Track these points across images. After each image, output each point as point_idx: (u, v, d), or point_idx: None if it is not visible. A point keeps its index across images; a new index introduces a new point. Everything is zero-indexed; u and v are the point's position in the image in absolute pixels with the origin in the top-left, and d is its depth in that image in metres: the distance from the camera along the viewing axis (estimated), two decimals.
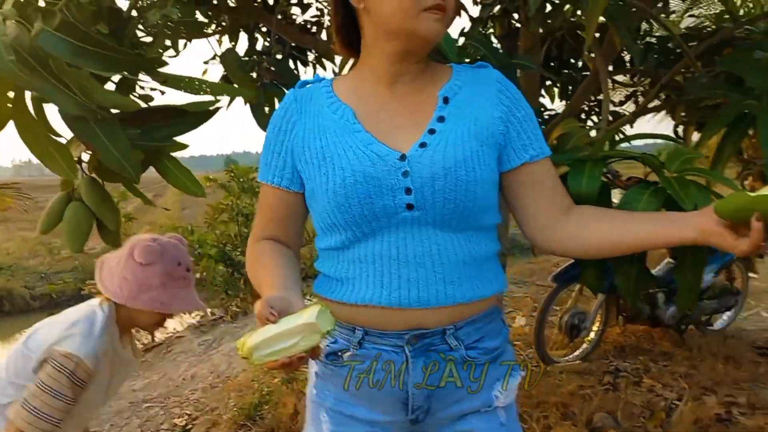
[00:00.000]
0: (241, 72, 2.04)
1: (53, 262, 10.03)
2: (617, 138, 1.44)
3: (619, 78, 2.58)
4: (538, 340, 3.36)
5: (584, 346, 3.57)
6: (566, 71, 2.49)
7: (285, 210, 1.04)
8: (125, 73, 1.22)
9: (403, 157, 0.94)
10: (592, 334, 3.57)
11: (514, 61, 1.34)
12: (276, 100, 2.26)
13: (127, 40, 1.22)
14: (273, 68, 2.10)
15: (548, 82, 2.64)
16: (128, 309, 1.44)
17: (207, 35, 2.04)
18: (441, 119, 0.98)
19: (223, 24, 2.29)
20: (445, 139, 0.95)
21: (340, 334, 1.00)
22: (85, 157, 1.33)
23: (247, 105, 2.03)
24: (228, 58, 2.09)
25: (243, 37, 2.47)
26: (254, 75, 2.15)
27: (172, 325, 6.03)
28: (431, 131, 0.96)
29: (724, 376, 3.10)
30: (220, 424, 2.98)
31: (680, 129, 1.99)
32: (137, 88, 1.33)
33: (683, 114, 1.59)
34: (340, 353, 1.00)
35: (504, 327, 1.08)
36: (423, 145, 0.95)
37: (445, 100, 1.00)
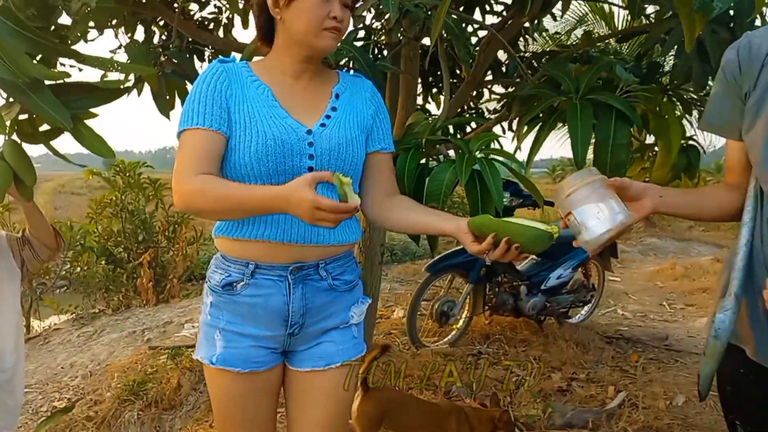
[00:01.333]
0: (144, 62, 2.19)
1: None
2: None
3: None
4: (410, 325, 3.73)
5: (453, 332, 3.98)
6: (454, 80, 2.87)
7: (215, 148, 1.21)
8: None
9: (309, 132, 1.23)
10: (460, 322, 4.01)
11: (378, 64, 1.68)
12: (176, 91, 2.44)
13: (53, 23, 1.40)
14: (174, 60, 2.28)
15: (434, 90, 3.02)
16: None
17: (112, 27, 2.18)
18: (334, 109, 1.30)
19: (124, 15, 2.40)
20: (338, 123, 1.27)
21: (235, 268, 1.26)
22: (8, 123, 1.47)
23: (128, 104, 2.18)
24: (132, 48, 2.23)
25: (139, 30, 2.58)
26: (155, 66, 2.31)
27: (50, 318, 5.83)
28: (328, 116, 1.28)
29: (572, 357, 3.61)
30: (103, 402, 3.05)
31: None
32: (58, 66, 1.50)
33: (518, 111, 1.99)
34: (234, 284, 1.26)
35: (357, 267, 1.41)
36: (323, 125, 1.26)
37: (337, 96, 1.32)
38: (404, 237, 7.48)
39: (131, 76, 2.33)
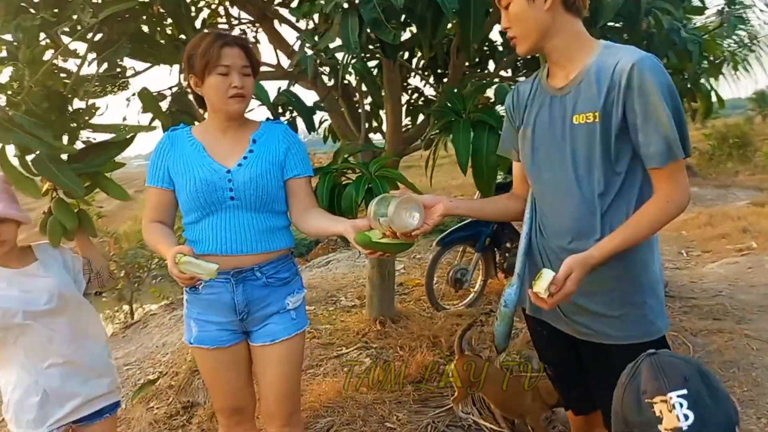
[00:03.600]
0: (153, 104, 2.62)
1: None
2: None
3: None
4: (429, 292, 4.29)
5: (471, 295, 4.50)
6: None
7: (162, 199, 1.84)
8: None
9: (228, 171, 1.79)
10: (477, 286, 4.52)
11: (309, 106, 2.24)
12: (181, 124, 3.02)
13: (68, 108, 2.07)
14: (177, 101, 2.85)
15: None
16: None
17: (125, 87, 2.73)
18: (251, 151, 1.83)
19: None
20: (252, 162, 1.81)
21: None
22: None
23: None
24: (143, 95, 2.61)
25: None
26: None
27: (149, 306, 6.89)
28: (245, 158, 1.82)
29: None
30: (180, 373, 3.86)
31: None
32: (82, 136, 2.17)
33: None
34: (197, 286, 1.83)
35: (294, 265, 1.95)
36: (240, 165, 1.80)
37: (254, 141, 1.85)
38: None
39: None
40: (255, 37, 3.93)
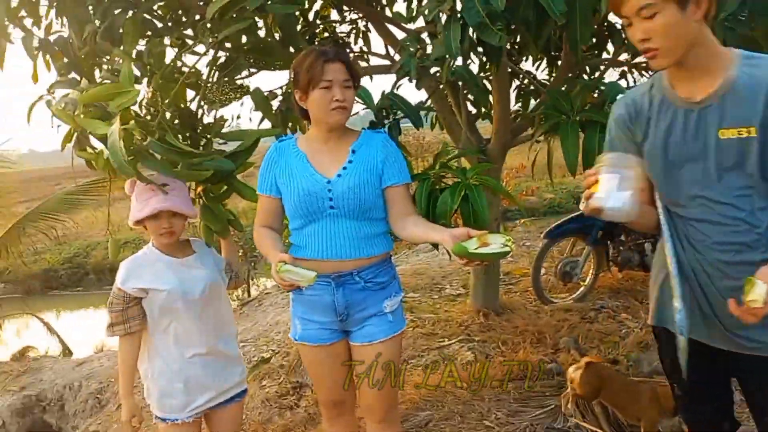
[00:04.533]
0: (265, 104, 2.78)
1: None
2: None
3: None
4: (535, 285, 4.19)
5: (581, 289, 4.34)
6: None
7: (270, 207, 1.97)
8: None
9: (328, 181, 1.86)
10: (587, 280, 4.35)
11: (414, 106, 2.24)
12: (290, 122, 3.13)
13: (198, 126, 2.23)
14: (287, 101, 2.97)
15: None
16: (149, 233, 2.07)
17: (245, 94, 2.90)
18: (350, 161, 1.89)
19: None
20: (351, 172, 1.87)
21: None
22: None
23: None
24: (255, 95, 2.72)
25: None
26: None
27: (265, 283, 7.29)
28: (344, 168, 1.88)
29: None
30: (290, 354, 4.07)
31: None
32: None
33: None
34: (301, 288, 1.90)
35: (392, 269, 1.99)
36: (339, 175, 1.87)
37: (353, 151, 1.90)
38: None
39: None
40: (366, 27, 4.00)
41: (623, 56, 3.22)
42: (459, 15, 1.82)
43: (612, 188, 1.39)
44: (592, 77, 3.49)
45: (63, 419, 5.08)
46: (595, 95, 2.29)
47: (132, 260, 2.08)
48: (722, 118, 1.38)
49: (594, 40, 3.21)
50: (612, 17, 2.70)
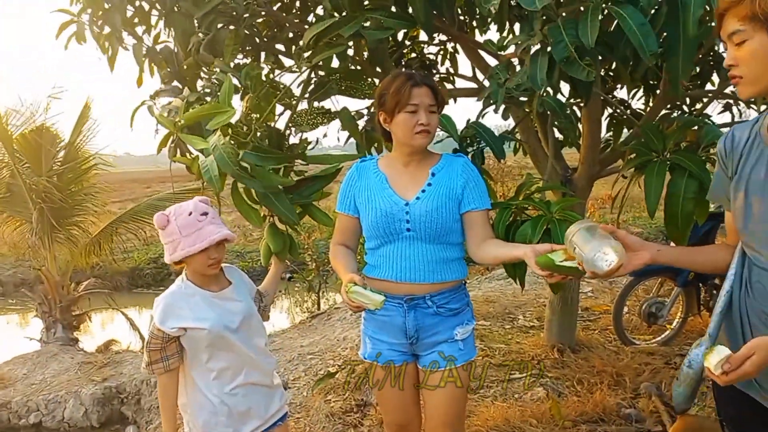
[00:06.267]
0: (351, 123, 2.79)
1: (246, 243, 12.15)
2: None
3: None
4: (617, 324, 3.99)
5: (667, 332, 4.10)
6: None
7: (348, 225, 2.00)
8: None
9: (406, 204, 1.86)
10: (674, 323, 4.10)
11: (498, 135, 2.19)
12: (374, 142, 3.14)
13: (285, 144, 2.28)
14: (372, 120, 2.99)
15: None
16: (186, 265, 1.94)
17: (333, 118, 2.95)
18: (429, 184, 1.88)
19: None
20: (430, 196, 1.86)
21: None
22: None
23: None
24: (342, 114, 2.77)
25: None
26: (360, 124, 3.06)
27: (335, 297, 7.36)
28: (423, 191, 1.87)
29: None
30: (356, 370, 4.07)
31: None
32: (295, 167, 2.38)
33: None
34: (373, 308, 1.88)
35: (466, 296, 1.96)
36: (418, 198, 1.86)
37: (433, 174, 1.90)
38: None
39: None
40: (454, 49, 3.99)
41: (729, 89, 3.03)
42: (548, 48, 1.77)
43: (593, 248, 1.40)
44: (693, 109, 3.32)
45: (139, 413, 5.31)
46: (694, 129, 2.17)
47: (168, 297, 1.96)
48: None
49: (698, 69, 3.05)
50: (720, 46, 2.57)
